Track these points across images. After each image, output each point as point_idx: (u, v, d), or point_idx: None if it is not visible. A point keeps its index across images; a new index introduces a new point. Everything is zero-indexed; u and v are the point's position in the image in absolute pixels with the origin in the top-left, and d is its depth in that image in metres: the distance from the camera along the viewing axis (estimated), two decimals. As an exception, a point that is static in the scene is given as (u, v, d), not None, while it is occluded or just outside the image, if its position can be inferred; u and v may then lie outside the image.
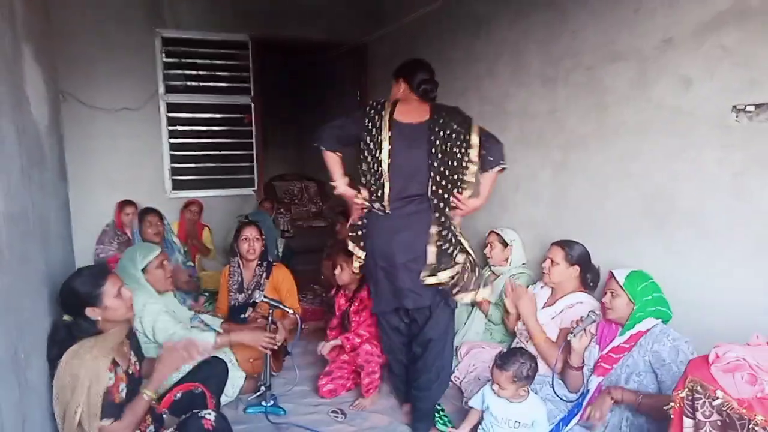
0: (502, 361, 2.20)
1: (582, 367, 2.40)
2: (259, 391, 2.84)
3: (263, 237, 3.46)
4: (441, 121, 2.47)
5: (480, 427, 2.36)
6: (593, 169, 2.94)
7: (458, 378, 3.01)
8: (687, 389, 1.42)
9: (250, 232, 3.37)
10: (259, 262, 3.44)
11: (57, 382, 1.82)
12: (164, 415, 2.18)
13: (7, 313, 1.55)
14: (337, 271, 3.09)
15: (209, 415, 2.00)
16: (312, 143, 2.60)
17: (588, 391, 2.34)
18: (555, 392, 2.43)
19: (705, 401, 1.38)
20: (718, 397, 1.33)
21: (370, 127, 2.45)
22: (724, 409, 1.32)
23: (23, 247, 1.80)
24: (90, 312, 1.95)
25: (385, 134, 2.41)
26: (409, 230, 2.43)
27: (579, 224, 3.02)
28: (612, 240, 2.82)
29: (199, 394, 2.28)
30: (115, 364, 1.91)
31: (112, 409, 1.84)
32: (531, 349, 2.66)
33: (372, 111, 2.49)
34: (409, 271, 2.44)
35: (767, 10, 2.11)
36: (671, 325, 2.23)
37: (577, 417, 2.30)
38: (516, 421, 2.22)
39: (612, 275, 2.35)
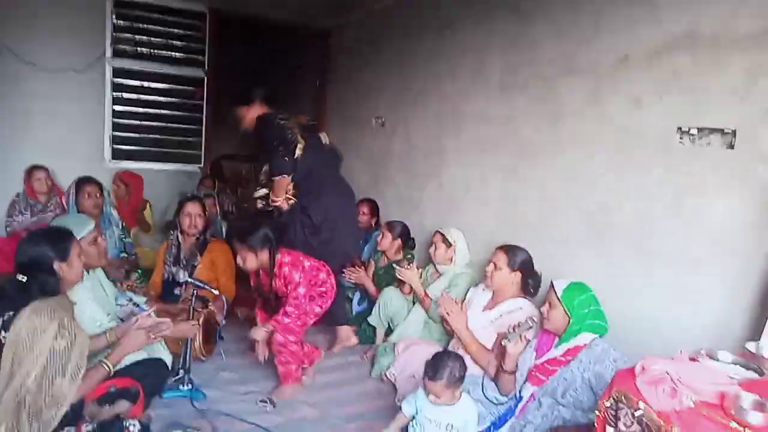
0: (433, 371, 2.16)
1: (515, 371, 2.43)
2: (177, 374, 2.73)
3: (207, 215, 3.37)
4: None
5: (410, 426, 2.35)
6: (542, 178, 3.00)
7: (393, 375, 2.99)
8: (612, 399, 1.45)
9: (193, 208, 3.29)
10: (198, 236, 3.36)
11: (11, 336, 1.81)
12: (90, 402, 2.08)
13: None
14: (240, 261, 2.89)
15: (133, 426, 1.95)
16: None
17: (521, 397, 2.37)
18: (485, 395, 2.45)
19: (627, 411, 1.41)
20: (639, 408, 1.37)
21: None
22: (644, 419, 1.36)
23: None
24: (58, 267, 2.03)
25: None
26: None
27: (525, 230, 3.07)
28: (556, 248, 2.88)
29: (133, 393, 2.21)
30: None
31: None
32: (463, 351, 2.68)
33: None
34: None
35: (717, 38, 2.20)
36: (606, 339, 2.28)
37: (510, 421, 2.33)
38: (449, 424, 2.20)
39: (551, 286, 2.38)
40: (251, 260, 2.85)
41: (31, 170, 4.21)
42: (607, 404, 1.46)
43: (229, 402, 2.70)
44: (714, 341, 2.04)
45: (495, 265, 2.79)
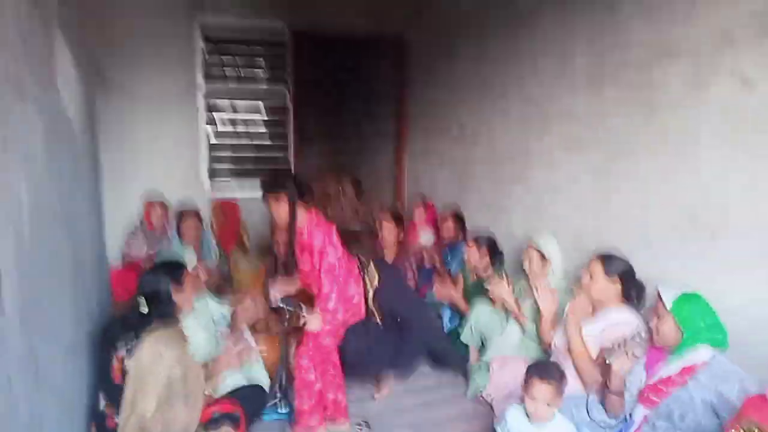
0: (544, 371, 2.04)
1: (622, 391, 2.21)
2: (275, 397, 2.77)
3: None
4: None
5: None
6: (639, 176, 2.72)
7: (489, 395, 2.86)
8: (742, 430, 1.25)
9: (281, 236, 3.37)
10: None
11: (135, 363, 1.96)
12: None
13: (29, 309, 1.51)
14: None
15: None
16: None
17: (633, 421, 2.15)
18: (590, 416, 2.25)
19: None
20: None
21: None
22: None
23: (49, 240, 1.78)
24: (175, 294, 2.25)
25: None
26: None
27: (622, 234, 2.80)
28: (658, 252, 2.61)
29: (235, 417, 2.30)
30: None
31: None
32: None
33: None
34: None
35: None
36: (727, 355, 2.01)
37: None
38: (545, 442, 2.07)
39: (659, 296, 2.15)
40: (276, 211, 2.50)
41: (151, 204, 4.43)
42: (735, 435, 1.26)
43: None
44: None
45: (591, 275, 2.59)
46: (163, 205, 4.45)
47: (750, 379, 1.90)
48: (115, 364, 2.02)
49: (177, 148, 5.10)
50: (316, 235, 2.44)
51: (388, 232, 3.94)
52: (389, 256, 3.91)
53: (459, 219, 4.15)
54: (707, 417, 1.97)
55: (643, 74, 2.68)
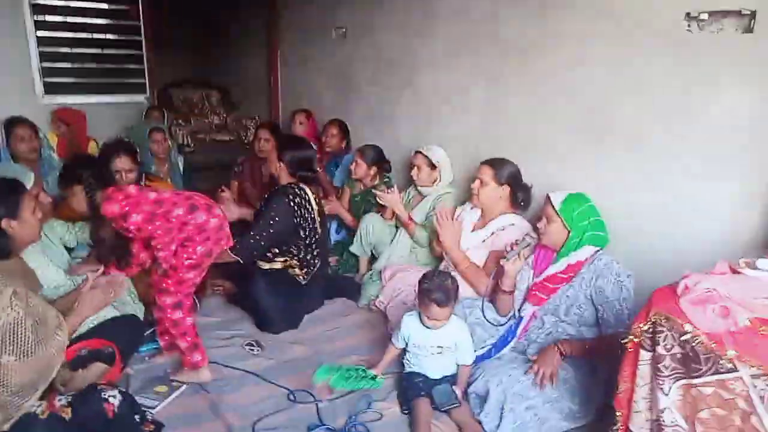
0: (445, 296, 2.01)
1: (513, 291, 2.30)
2: (152, 325, 2.49)
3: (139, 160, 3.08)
4: None
5: (404, 359, 2.23)
6: (531, 81, 2.73)
7: (383, 303, 2.86)
8: (650, 322, 1.31)
9: (121, 164, 2.88)
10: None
11: None
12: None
13: None
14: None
15: (113, 398, 1.71)
16: None
17: (521, 317, 2.26)
18: (484, 316, 2.33)
19: (668, 334, 1.27)
20: (687, 332, 1.22)
21: None
22: (691, 343, 1.22)
23: None
24: (7, 224, 1.80)
25: None
26: None
27: (514, 140, 2.84)
28: (548, 157, 2.68)
29: (108, 354, 2.02)
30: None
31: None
32: (455, 273, 2.55)
33: None
34: None
35: None
36: (608, 251, 2.14)
37: (511, 343, 2.23)
38: (439, 346, 2.11)
39: (548, 199, 2.20)
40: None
41: None
42: (644, 327, 1.31)
43: (212, 348, 2.49)
44: (728, 250, 1.92)
45: (481, 181, 2.61)
46: None
47: (623, 274, 2.04)
48: None
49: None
50: (131, 216, 2.17)
51: (266, 144, 3.64)
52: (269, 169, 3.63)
53: (342, 129, 3.95)
54: (589, 310, 2.13)
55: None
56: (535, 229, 2.31)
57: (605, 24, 2.36)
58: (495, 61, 2.90)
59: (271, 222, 2.73)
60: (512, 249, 2.24)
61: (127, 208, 2.17)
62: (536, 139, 2.74)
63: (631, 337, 1.35)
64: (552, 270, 2.20)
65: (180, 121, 5.67)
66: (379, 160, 3.44)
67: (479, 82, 3.01)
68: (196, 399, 2.17)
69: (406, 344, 2.19)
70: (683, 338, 1.22)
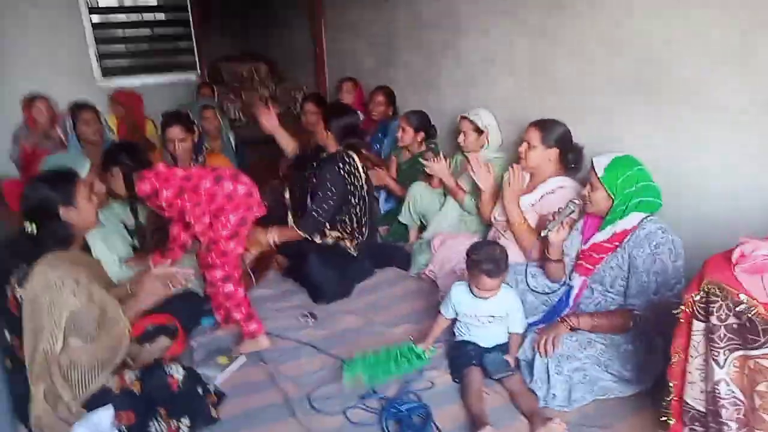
0: (496, 266, 1.99)
1: (561, 259, 2.24)
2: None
3: (196, 129, 3.16)
4: None
5: (455, 328, 2.23)
6: (576, 36, 2.59)
7: (433, 272, 2.86)
8: (702, 292, 1.24)
9: (172, 133, 3.00)
10: (194, 156, 3.13)
11: (28, 295, 1.68)
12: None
13: None
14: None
15: (177, 373, 1.82)
16: None
17: (572, 286, 2.20)
18: (527, 284, 2.29)
19: (722, 304, 1.21)
20: (742, 302, 1.16)
21: None
22: (747, 314, 1.16)
23: None
24: (64, 212, 1.85)
25: None
26: None
27: (561, 99, 2.72)
28: (599, 116, 2.56)
29: (172, 330, 2.15)
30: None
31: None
32: (504, 240, 2.51)
33: None
34: None
35: None
36: (662, 214, 2.02)
37: (566, 311, 2.18)
38: (490, 316, 2.10)
39: (591, 165, 2.08)
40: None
41: (30, 100, 3.95)
42: (696, 298, 1.25)
43: (268, 320, 2.57)
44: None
45: (528, 144, 2.52)
46: (45, 101, 3.94)
47: (664, 246, 1.90)
48: (9, 294, 1.74)
49: (56, 38, 4.41)
50: (162, 192, 2.28)
51: (312, 116, 3.66)
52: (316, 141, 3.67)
53: (389, 95, 3.91)
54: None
55: None
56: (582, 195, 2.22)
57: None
58: (537, 17, 2.77)
59: (329, 193, 2.79)
60: (554, 218, 2.17)
61: (157, 185, 2.27)
62: (585, 98, 2.61)
63: (682, 307, 1.30)
64: (598, 238, 2.10)
65: (231, 95, 5.77)
66: (424, 125, 3.39)
67: (523, 41, 2.89)
68: (254, 369, 2.27)
69: (456, 314, 2.19)
70: (738, 309, 1.15)
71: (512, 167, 2.59)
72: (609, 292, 2.08)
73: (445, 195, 3.11)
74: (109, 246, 2.47)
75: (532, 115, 2.66)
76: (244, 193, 2.31)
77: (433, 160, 3.00)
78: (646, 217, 1.98)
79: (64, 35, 4.48)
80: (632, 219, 1.98)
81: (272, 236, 2.84)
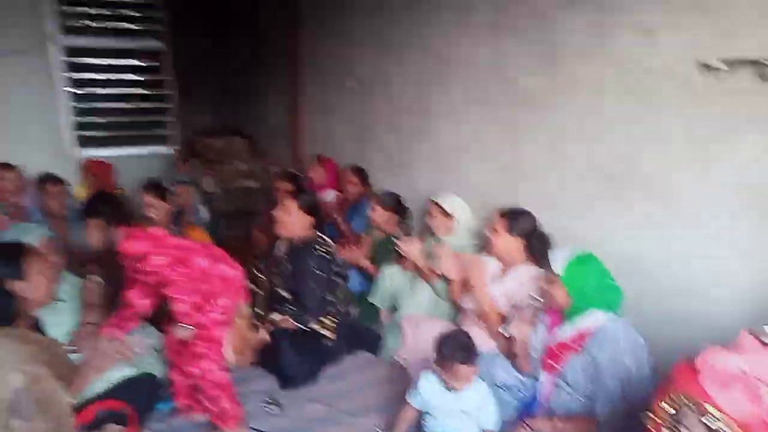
0: (470, 354, 1.95)
1: (527, 355, 2.20)
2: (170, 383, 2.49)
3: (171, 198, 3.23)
4: None
5: (423, 422, 2.15)
6: (545, 129, 2.70)
7: (404, 357, 2.79)
8: (671, 401, 1.23)
9: (147, 199, 3.03)
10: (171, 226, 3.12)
11: None
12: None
13: None
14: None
15: None
16: None
17: (540, 382, 2.15)
18: (495, 379, 2.24)
19: (693, 417, 1.19)
20: (712, 414, 1.14)
21: None
22: (718, 429, 1.14)
23: None
24: (13, 286, 1.82)
25: None
26: None
27: (530, 189, 2.80)
28: (568, 207, 2.63)
29: (123, 416, 2.03)
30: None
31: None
32: (475, 328, 2.48)
33: None
34: None
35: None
36: (626, 312, 2.03)
37: (539, 410, 2.12)
38: (462, 411, 2.02)
39: (548, 261, 2.11)
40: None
41: None
42: (667, 407, 1.23)
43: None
44: (754, 311, 1.82)
45: (494, 230, 2.57)
46: (12, 168, 3.81)
47: (626, 351, 1.87)
48: None
49: (30, 109, 4.42)
50: (151, 257, 2.06)
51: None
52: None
53: (362, 176, 3.97)
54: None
55: (546, 24, 2.61)
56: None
57: (617, 73, 2.33)
58: (507, 110, 2.89)
59: (316, 280, 2.77)
60: (514, 314, 2.16)
61: (150, 249, 2.07)
62: (553, 190, 2.69)
63: (651, 415, 1.27)
64: (561, 336, 2.08)
65: (207, 168, 5.77)
66: (396, 206, 3.43)
67: (494, 131, 3.00)
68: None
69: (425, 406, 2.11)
70: (715, 426, 1.13)
71: (443, 251, 2.66)
72: (576, 394, 2.01)
73: (417, 278, 3.10)
74: (60, 322, 2.36)
75: (503, 202, 2.73)
76: (238, 278, 2.20)
77: (407, 242, 3.00)
78: (607, 316, 1.96)
79: (42, 105, 4.50)
80: (593, 318, 1.97)
81: (264, 334, 2.76)
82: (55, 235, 2.66)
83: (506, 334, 2.14)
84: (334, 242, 3.00)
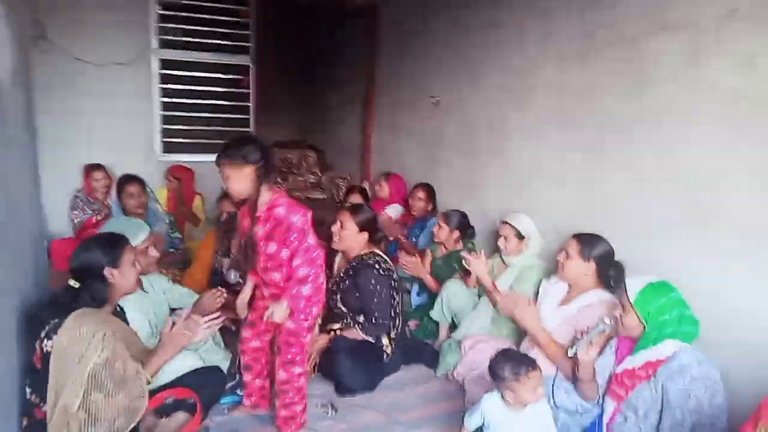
0: (530, 361, 1.94)
1: (592, 379, 2.13)
2: (234, 378, 2.59)
3: None
4: None
5: None
6: (631, 155, 2.61)
7: (461, 375, 2.76)
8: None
9: (226, 207, 3.22)
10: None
11: (56, 347, 1.72)
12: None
13: None
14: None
15: None
16: None
17: (604, 410, 2.08)
18: (553, 399, 2.17)
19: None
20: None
21: None
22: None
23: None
24: (109, 273, 1.94)
25: None
26: None
27: (609, 215, 2.70)
28: (647, 236, 2.51)
29: (191, 405, 2.12)
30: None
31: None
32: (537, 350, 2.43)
33: None
34: None
35: None
36: (704, 345, 1.93)
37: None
38: (523, 430, 1.97)
39: (623, 287, 2.04)
40: (234, 182, 2.10)
41: (90, 169, 4.22)
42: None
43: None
44: None
45: (567, 254, 2.52)
46: (102, 168, 4.20)
47: (700, 381, 1.78)
48: (37, 346, 1.77)
49: (128, 115, 4.81)
50: (292, 215, 2.11)
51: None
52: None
53: (429, 192, 4.01)
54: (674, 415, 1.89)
55: (637, 48, 2.55)
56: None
57: (711, 100, 2.23)
58: (592, 135, 2.82)
59: (378, 296, 2.82)
60: (582, 336, 2.10)
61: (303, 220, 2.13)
62: (634, 217, 2.58)
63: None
64: (629, 364, 2.00)
65: (278, 179, 6.00)
66: (462, 224, 3.43)
67: (575, 155, 2.93)
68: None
69: (484, 428, 2.05)
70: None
71: (503, 295, 2.65)
72: (643, 423, 1.93)
73: (479, 295, 3.07)
74: (144, 311, 2.51)
75: (577, 226, 2.67)
76: (324, 286, 2.29)
77: (475, 257, 2.97)
78: (681, 347, 1.89)
79: (139, 113, 4.87)
80: (666, 347, 1.90)
81: (324, 341, 2.84)
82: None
83: (572, 355, 2.07)
84: (394, 258, 3.02)
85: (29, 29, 2.50)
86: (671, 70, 2.39)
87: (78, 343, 1.72)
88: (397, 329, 2.95)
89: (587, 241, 2.50)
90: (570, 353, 2.08)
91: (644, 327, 1.96)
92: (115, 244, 2.03)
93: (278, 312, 2.11)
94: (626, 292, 2.01)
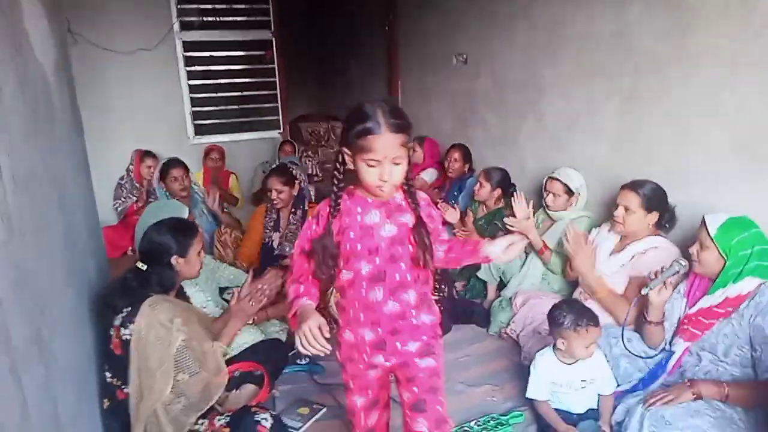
0: (591, 317, 1.95)
1: (661, 322, 2.13)
2: (293, 348, 2.66)
3: (298, 181, 3.32)
4: None
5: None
6: (670, 102, 2.53)
7: (514, 331, 2.79)
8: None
9: (272, 183, 3.19)
10: (293, 210, 3.26)
11: (135, 335, 1.78)
12: None
13: (22, 289, 1.33)
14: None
15: (266, 421, 1.84)
16: None
17: (672, 352, 2.08)
18: (626, 347, 2.18)
19: None
20: None
21: None
22: None
23: (36, 212, 1.56)
24: (175, 261, 1.98)
25: None
26: None
27: (651, 163, 2.65)
28: (693, 184, 2.46)
29: (258, 376, 2.19)
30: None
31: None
32: (592, 301, 2.43)
33: None
34: None
35: None
36: None
37: (661, 379, 2.06)
38: (581, 380, 2.02)
39: (703, 223, 1.99)
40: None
41: (143, 155, 4.33)
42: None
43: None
44: None
45: (626, 208, 2.41)
46: (154, 157, 4.34)
47: None
48: (113, 333, 1.84)
49: (156, 99, 4.88)
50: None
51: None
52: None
53: (465, 153, 3.97)
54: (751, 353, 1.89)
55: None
56: (686, 254, 2.12)
57: (762, 40, 2.13)
58: (628, 81, 2.74)
59: None
60: (656, 277, 2.08)
61: None
62: (678, 162, 2.53)
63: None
64: (707, 302, 1.99)
65: (309, 152, 6.03)
66: (504, 182, 3.39)
67: (611, 104, 2.86)
68: (334, 421, 2.27)
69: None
70: None
71: (571, 238, 2.53)
72: (722, 361, 1.94)
73: (527, 252, 3.07)
74: (203, 289, 2.59)
75: (619, 177, 2.62)
76: None
77: (518, 199, 2.91)
78: (763, 283, 1.87)
79: (167, 97, 4.92)
80: (747, 284, 1.88)
81: None
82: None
83: (643, 292, 2.07)
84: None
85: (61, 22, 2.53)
86: (716, 9, 2.28)
87: (157, 330, 1.78)
88: (443, 292, 2.95)
89: (646, 191, 2.39)
90: (643, 292, 2.06)
91: (725, 262, 1.93)
92: (186, 233, 2.06)
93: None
94: (706, 227, 1.97)
